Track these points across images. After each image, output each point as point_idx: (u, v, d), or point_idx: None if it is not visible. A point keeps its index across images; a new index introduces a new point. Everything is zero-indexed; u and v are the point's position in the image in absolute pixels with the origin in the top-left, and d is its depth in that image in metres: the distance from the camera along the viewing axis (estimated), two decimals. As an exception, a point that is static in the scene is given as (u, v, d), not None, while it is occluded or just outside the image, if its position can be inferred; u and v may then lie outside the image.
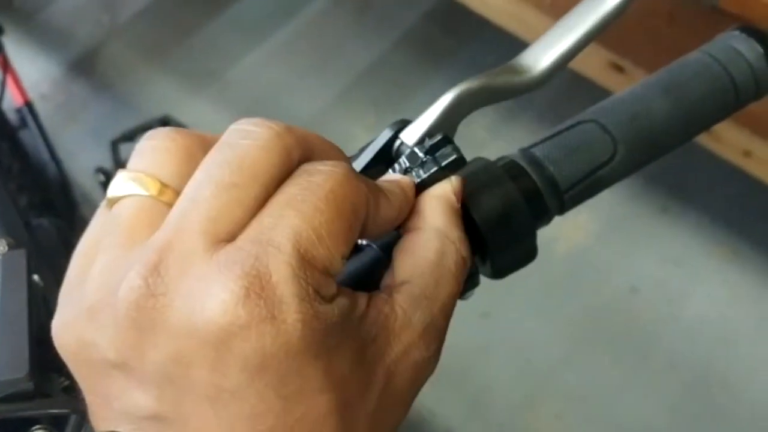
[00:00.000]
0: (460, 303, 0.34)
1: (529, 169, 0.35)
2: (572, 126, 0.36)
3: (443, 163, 0.32)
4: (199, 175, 0.26)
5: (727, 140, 0.97)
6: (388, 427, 0.28)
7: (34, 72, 1.62)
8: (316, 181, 0.26)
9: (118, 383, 0.26)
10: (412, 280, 0.29)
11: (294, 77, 1.57)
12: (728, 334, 1.26)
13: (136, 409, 0.26)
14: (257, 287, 0.24)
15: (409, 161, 0.32)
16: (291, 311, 0.24)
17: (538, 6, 1.04)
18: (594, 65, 1.03)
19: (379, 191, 0.29)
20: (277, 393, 0.25)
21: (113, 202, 0.28)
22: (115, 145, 1.15)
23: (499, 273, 0.35)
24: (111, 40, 1.67)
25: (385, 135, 0.34)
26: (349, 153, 0.33)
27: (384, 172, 0.33)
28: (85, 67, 1.64)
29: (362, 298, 0.28)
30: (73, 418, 0.32)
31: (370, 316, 0.28)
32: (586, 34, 0.35)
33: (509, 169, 0.35)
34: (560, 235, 1.34)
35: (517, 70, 0.35)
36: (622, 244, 1.34)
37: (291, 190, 0.26)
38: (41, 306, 0.35)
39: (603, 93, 1.17)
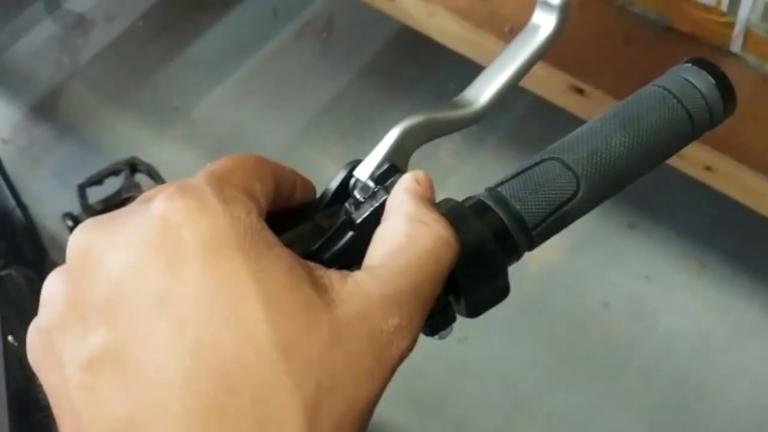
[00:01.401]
0: None
1: (496, 208, 0.36)
2: (536, 164, 0.37)
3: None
4: None
5: (689, 156, 0.99)
6: (351, 397, 0.27)
7: (-4, 117, 1.61)
8: (224, 157, 0.31)
9: (69, 337, 0.27)
10: (381, 263, 0.30)
11: (259, 111, 1.57)
12: (702, 345, 1.28)
13: (88, 351, 0.26)
14: (179, 190, 0.27)
15: (361, 194, 0.33)
16: (208, 201, 0.27)
17: (497, 34, 1.06)
18: (555, 88, 1.04)
19: (280, 164, 0.33)
20: (198, 292, 0.25)
21: None
22: (82, 190, 1.15)
23: (473, 311, 0.36)
24: (72, 82, 1.66)
25: (340, 175, 0.35)
26: (321, 186, 0.36)
27: (341, 209, 0.34)
28: (47, 110, 1.63)
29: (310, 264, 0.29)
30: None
31: (317, 275, 0.28)
32: (520, 67, 0.38)
33: (477, 208, 0.36)
34: (532, 255, 1.34)
35: (460, 105, 0.37)
36: (592, 262, 1.36)
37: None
38: (18, 369, 0.35)
39: (565, 115, 1.19)
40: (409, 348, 0.30)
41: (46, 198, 1.45)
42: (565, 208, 0.37)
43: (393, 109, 1.51)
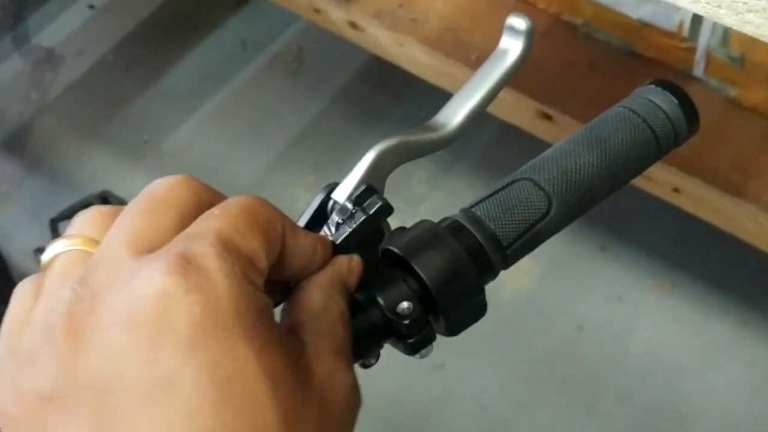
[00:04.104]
0: (410, 357, 0.36)
1: (471, 228, 0.37)
2: (508, 184, 0.38)
3: (371, 212, 0.34)
4: (119, 216, 0.29)
5: (657, 179, 1.01)
6: None
7: (-36, 154, 1.60)
8: (231, 202, 0.29)
9: (52, 423, 0.25)
10: (309, 320, 0.31)
11: (231, 143, 1.58)
12: (675, 365, 1.29)
13: None
14: (183, 262, 0.25)
15: (339, 215, 0.34)
16: (219, 281, 0.25)
17: (465, 62, 1.08)
18: (523, 115, 1.06)
19: (295, 225, 0.31)
20: (212, 378, 0.24)
21: (47, 266, 0.29)
22: (54, 224, 1.14)
23: (452, 330, 0.36)
24: (42, 117, 1.66)
25: (318, 198, 0.36)
26: (295, 215, 0.35)
27: (320, 231, 0.35)
28: (16, 145, 1.62)
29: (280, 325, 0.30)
30: None
31: (290, 341, 0.29)
32: (489, 91, 0.39)
33: (453, 229, 0.37)
34: (505, 281, 1.36)
35: (433, 128, 0.38)
36: (565, 285, 1.37)
37: (208, 211, 0.28)
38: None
39: (533, 141, 1.21)
40: (360, 399, 0.31)
41: (17, 234, 1.43)
42: (538, 227, 0.38)
43: (364, 137, 1.52)
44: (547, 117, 1.04)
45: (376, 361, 0.37)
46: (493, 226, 0.37)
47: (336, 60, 1.65)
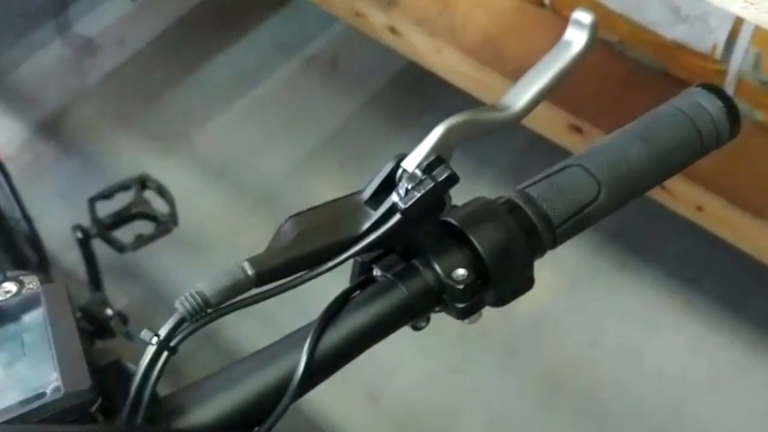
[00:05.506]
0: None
1: (525, 207, 0.39)
2: (561, 169, 0.41)
3: (439, 179, 0.36)
4: None
5: (681, 196, 1.03)
6: None
7: (0, 133, 1.64)
8: None
9: None
10: None
11: (262, 139, 1.61)
12: (687, 384, 1.30)
13: None
14: None
15: (409, 182, 0.36)
16: None
17: (501, 72, 1.11)
18: (555, 127, 1.09)
19: None
20: None
21: None
22: (92, 203, 1.17)
23: (501, 300, 0.39)
24: (79, 102, 1.70)
25: (389, 166, 0.38)
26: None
27: (386, 197, 0.37)
28: (52, 129, 1.66)
29: None
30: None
31: None
32: (553, 78, 0.41)
33: (508, 206, 0.39)
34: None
35: (498, 109, 0.40)
36: (582, 300, 1.39)
37: None
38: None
39: (560, 152, 1.23)
40: None
41: (46, 214, 1.46)
42: (586, 211, 0.40)
43: (392, 141, 1.55)
44: (578, 130, 1.06)
45: (426, 324, 0.40)
46: (545, 207, 0.40)
47: (369, 67, 1.68)
